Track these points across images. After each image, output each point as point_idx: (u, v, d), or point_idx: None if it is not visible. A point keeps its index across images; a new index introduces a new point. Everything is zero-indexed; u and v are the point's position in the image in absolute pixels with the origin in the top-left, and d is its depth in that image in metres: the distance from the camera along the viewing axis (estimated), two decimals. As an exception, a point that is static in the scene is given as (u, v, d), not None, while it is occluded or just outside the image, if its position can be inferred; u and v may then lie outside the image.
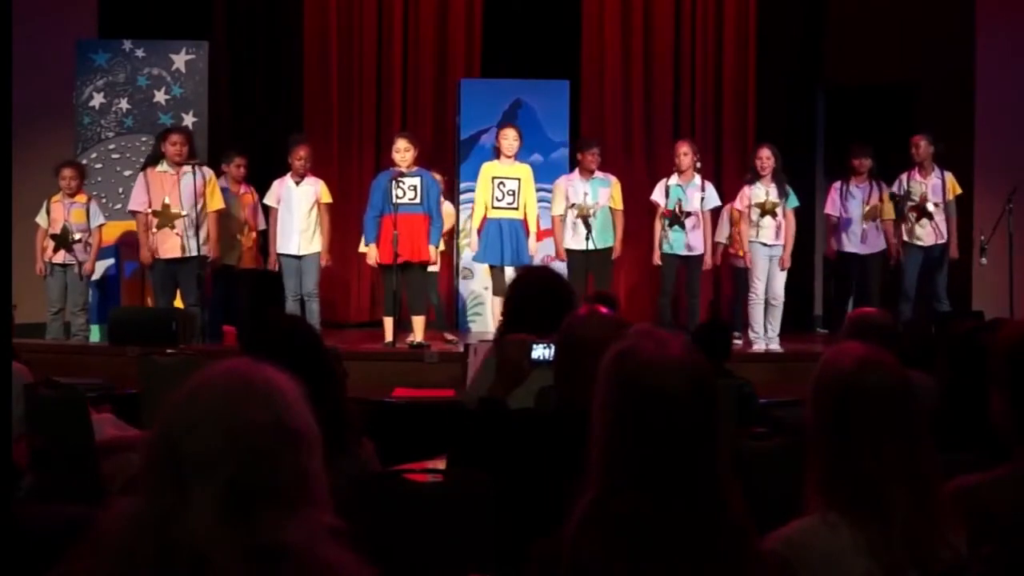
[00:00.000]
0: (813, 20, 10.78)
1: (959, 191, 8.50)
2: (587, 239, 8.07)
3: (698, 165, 8.25)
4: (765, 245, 8.09)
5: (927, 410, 2.05)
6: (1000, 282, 8.56)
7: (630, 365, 1.81)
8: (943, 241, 8.39)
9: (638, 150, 10.75)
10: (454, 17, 10.70)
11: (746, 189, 8.21)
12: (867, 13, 10.33)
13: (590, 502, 1.77)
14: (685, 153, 8.22)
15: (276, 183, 8.24)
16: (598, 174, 8.34)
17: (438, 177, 8.57)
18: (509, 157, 8.05)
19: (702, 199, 8.22)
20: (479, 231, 8.12)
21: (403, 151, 7.67)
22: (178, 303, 8.19)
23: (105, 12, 9.99)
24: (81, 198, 8.38)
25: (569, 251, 8.26)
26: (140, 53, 9.25)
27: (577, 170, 8.42)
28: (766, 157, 8.07)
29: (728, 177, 10.61)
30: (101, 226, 8.44)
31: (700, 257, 8.31)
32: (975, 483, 2.14)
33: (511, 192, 7.97)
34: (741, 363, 6.04)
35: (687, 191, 8.20)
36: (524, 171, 8.08)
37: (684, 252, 8.23)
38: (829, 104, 10.88)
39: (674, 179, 8.28)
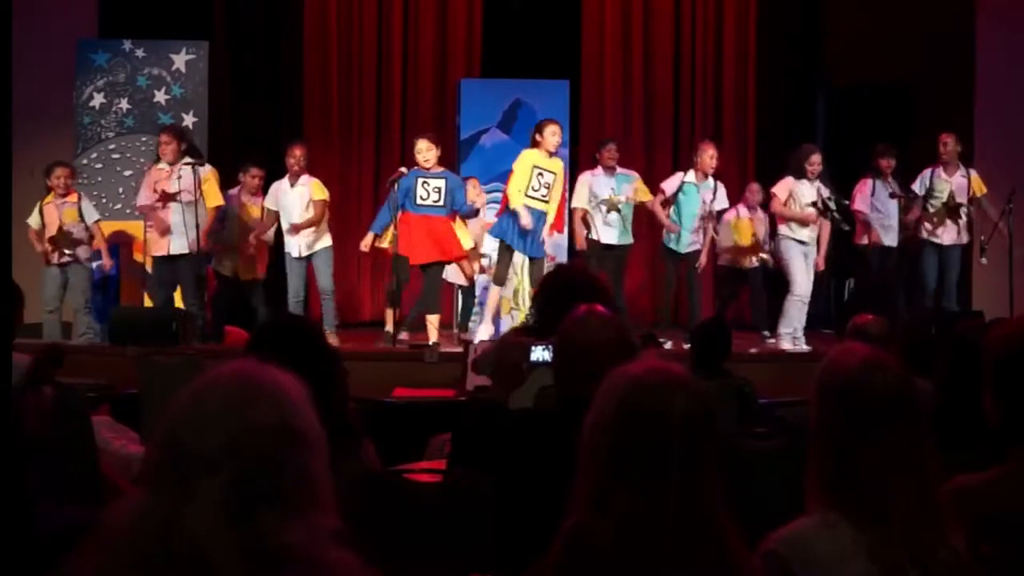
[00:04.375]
0: (813, 20, 10.79)
1: (984, 190, 8.46)
2: (620, 233, 8.28)
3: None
4: (802, 243, 8.09)
5: (929, 411, 2.05)
6: (1000, 282, 8.55)
7: (634, 389, 1.81)
8: (963, 242, 8.39)
9: (638, 150, 10.75)
10: (454, 17, 10.70)
11: (791, 182, 8.13)
12: (867, 13, 10.33)
13: (577, 526, 1.77)
14: (715, 156, 8.23)
15: (274, 185, 8.25)
16: (620, 170, 8.42)
17: (474, 183, 8.61)
18: (552, 152, 7.91)
19: (714, 200, 8.29)
20: (510, 211, 7.89)
21: (424, 151, 7.66)
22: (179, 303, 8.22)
23: (105, 12, 9.99)
24: (72, 197, 8.36)
25: (603, 244, 8.30)
26: (140, 53, 9.25)
27: (599, 167, 8.47)
28: (818, 162, 8.07)
29: (728, 177, 10.59)
30: (98, 221, 8.41)
31: (698, 253, 8.33)
32: (974, 483, 2.14)
33: (547, 185, 7.91)
34: (741, 363, 6.03)
35: (702, 192, 8.23)
36: (560, 166, 7.96)
37: (685, 250, 8.25)
38: (829, 104, 10.88)
39: (691, 176, 8.30)
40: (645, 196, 8.46)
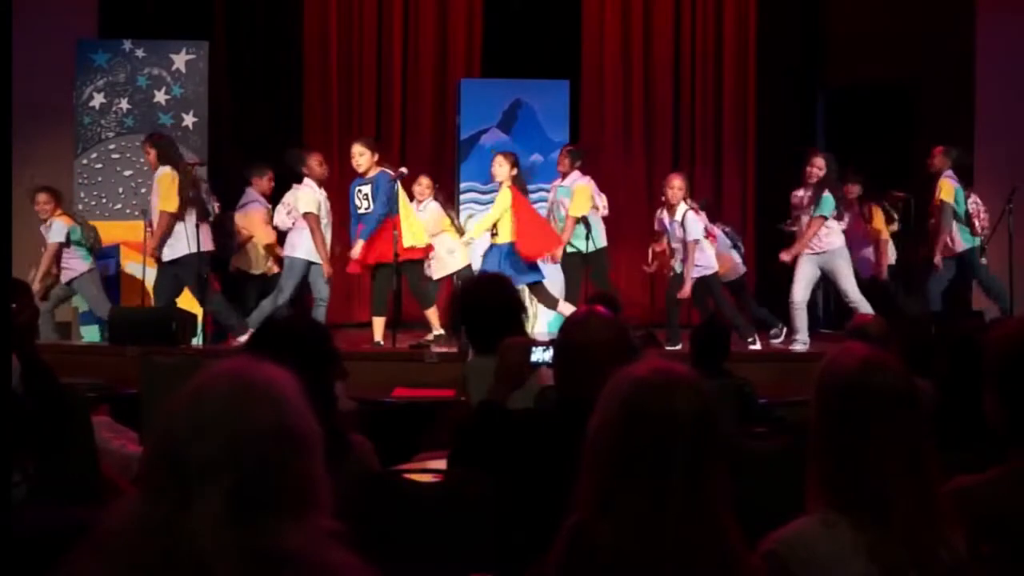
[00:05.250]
0: (813, 20, 10.79)
1: (941, 197, 8.26)
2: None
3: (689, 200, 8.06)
4: (816, 254, 7.90)
5: (929, 412, 2.06)
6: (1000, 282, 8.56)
7: (638, 389, 1.82)
8: (961, 249, 8.34)
9: (638, 150, 10.76)
10: (454, 17, 10.71)
11: (801, 192, 8.11)
12: (867, 13, 10.34)
13: (580, 525, 1.78)
14: (680, 187, 7.94)
15: (308, 190, 7.90)
16: (567, 180, 8.34)
17: (425, 181, 8.56)
18: (494, 183, 8.05)
19: (683, 230, 7.92)
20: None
21: (357, 156, 7.64)
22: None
23: (105, 12, 9.99)
24: (49, 221, 8.33)
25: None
26: (140, 53, 9.25)
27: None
28: (819, 167, 7.87)
29: (728, 178, 10.62)
30: (59, 243, 8.28)
31: (714, 275, 8.05)
32: (974, 483, 2.14)
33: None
34: (741, 363, 6.04)
35: (672, 227, 8.02)
36: (498, 196, 7.99)
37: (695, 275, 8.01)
38: (829, 104, 10.88)
39: (665, 212, 8.12)
40: (575, 211, 8.20)
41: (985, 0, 9.84)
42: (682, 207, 7.96)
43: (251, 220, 8.62)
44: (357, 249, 7.65)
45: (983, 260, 8.53)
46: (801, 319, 7.98)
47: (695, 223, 7.97)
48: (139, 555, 1.39)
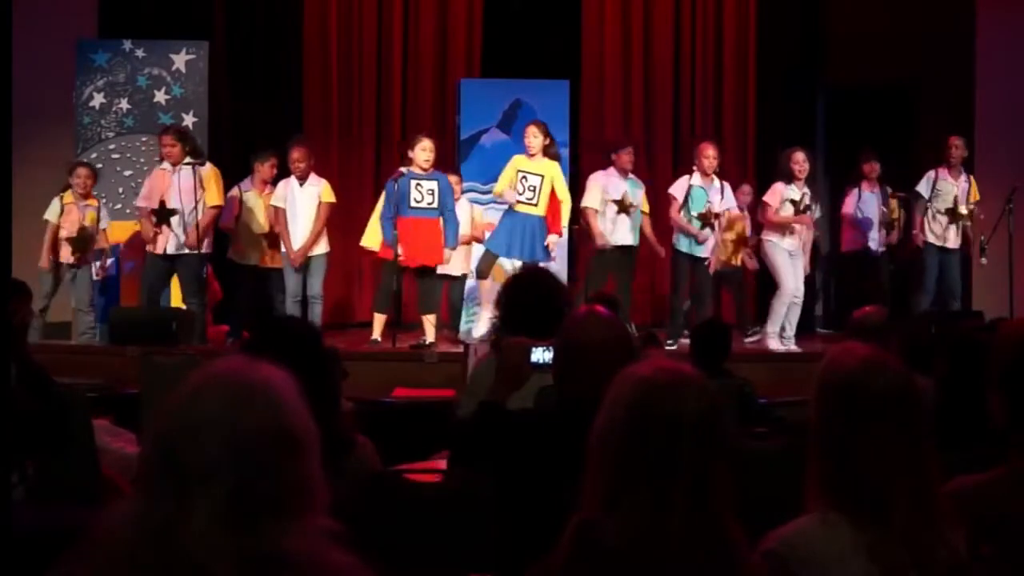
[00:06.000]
0: (813, 20, 10.79)
1: (978, 197, 8.53)
2: (633, 235, 8.23)
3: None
4: (786, 250, 8.04)
5: (929, 411, 2.05)
6: (1000, 282, 8.56)
7: (644, 389, 1.82)
8: (959, 245, 8.45)
9: (638, 150, 10.72)
10: (454, 17, 10.70)
11: (781, 187, 8.10)
12: (867, 13, 10.33)
13: (586, 524, 1.78)
14: (715, 156, 8.18)
15: (281, 184, 8.21)
16: (632, 176, 8.43)
17: (454, 179, 8.59)
18: (533, 154, 7.97)
19: (722, 199, 8.23)
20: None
21: (429, 151, 7.62)
22: (177, 302, 8.24)
23: (105, 12, 9.99)
24: (93, 201, 8.39)
25: (615, 246, 8.27)
26: (140, 53, 9.25)
27: (613, 168, 8.43)
28: (802, 160, 8.01)
29: (728, 177, 10.55)
30: (105, 229, 8.46)
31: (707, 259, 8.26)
32: (974, 483, 2.14)
33: (532, 188, 7.93)
34: (741, 363, 6.04)
35: (710, 193, 8.17)
36: (548, 168, 7.96)
37: (698, 254, 8.18)
38: (829, 104, 10.88)
39: (696, 179, 8.21)
40: (646, 207, 8.46)
41: (985, 0, 9.84)
42: (715, 179, 8.22)
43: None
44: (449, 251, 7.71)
45: (983, 260, 8.56)
46: (777, 311, 8.00)
47: (730, 191, 8.42)
48: (137, 557, 1.39)
